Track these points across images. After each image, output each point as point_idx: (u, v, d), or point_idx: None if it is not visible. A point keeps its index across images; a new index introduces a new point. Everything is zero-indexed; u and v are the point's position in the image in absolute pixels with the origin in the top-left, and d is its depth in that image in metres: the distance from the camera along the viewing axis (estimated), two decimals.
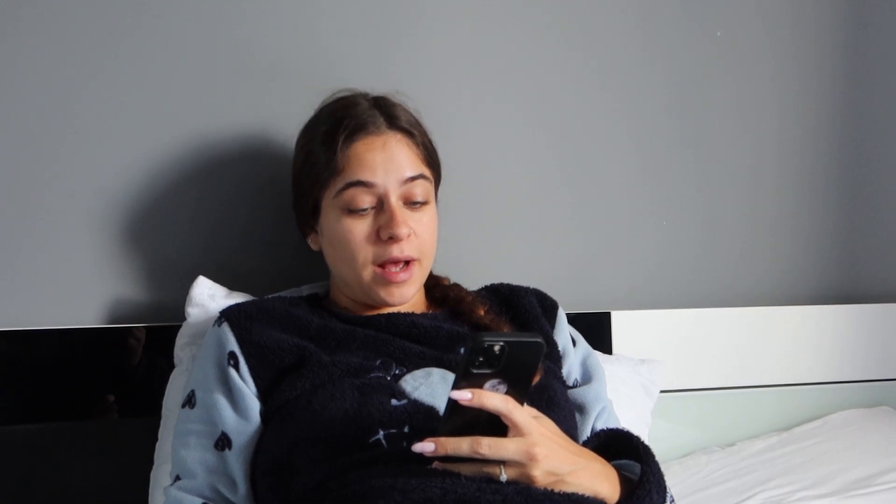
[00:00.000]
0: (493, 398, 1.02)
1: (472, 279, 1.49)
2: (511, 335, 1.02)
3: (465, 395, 1.01)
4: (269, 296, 1.43)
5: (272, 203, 1.60)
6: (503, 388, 1.03)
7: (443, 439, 1.04)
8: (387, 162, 1.32)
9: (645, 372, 1.74)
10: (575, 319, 1.57)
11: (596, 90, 1.86)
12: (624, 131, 1.89)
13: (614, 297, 1.86)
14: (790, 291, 2.01)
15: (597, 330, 1.77)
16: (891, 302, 2.06)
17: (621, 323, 1.82)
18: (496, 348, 1.00)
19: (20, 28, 1.49)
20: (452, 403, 1.02)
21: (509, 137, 1.79)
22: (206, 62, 1.58)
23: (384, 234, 1.31)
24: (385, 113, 1.36)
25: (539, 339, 1.02)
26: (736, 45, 1.97)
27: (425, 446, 1.04)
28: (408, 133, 1.36)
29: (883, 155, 2.10)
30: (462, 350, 1.03)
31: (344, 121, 1.34)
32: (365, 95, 1.40)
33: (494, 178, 1.77)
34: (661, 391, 1.78)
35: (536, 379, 1.27)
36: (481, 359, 1.01)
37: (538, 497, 1.04)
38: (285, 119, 1.53)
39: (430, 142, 1.40)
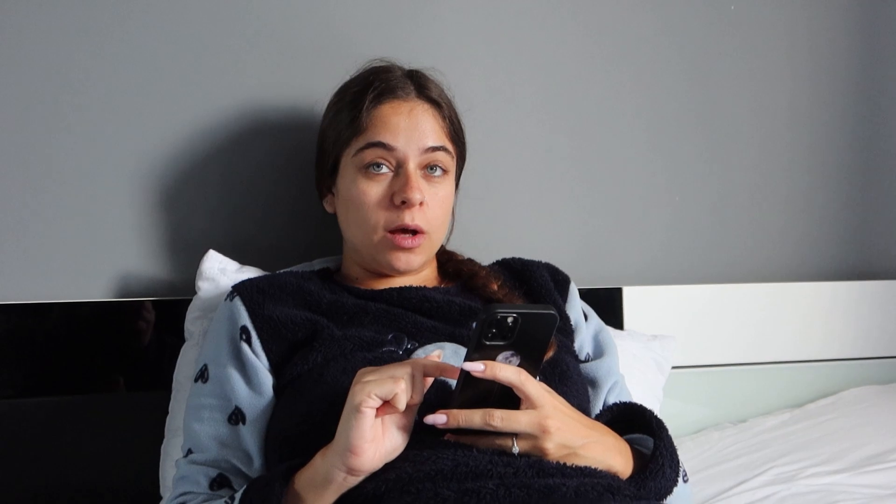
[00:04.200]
0: (505, 370, 1.02)
1: (484, 254, 1.49)
2: (524, 307, 1.01)
3: (477, 367, 1.01)
4: (281, 270, 1.43)
5: (285, 178, 1.60)
6: (516, 360, 1.03)
7: (455, 411, 1.04)
8: (410, 128, 1.32)
9: (657, 348, 1.74)
10: (586, 295, 1.56)
11: (608, 68, 1.86)
12: (636, 108, 1.88)
13: (626, 273, 1.86)
14: (803, 267, 2.01)
15: (608, 305, 1.76)
16: None
17: (633, 298, 1.82)
18: (509, 320, 1.00)
19: None
20: (465, 375, 1.02)
21: (522, 115, 1.79)
22: (234, 38, 1.59)
23: (397, 198, 1.30)
24: (416, 82, 1.37)
25: (552, 311, 1.02)
26: (749, 19, 1.96)
27: (437, 418, 1.04)
28: (436, 104, 1.36)
29: None
30: (475, 323, 1.02)
31: (375, 83, 1.34)
32: (400, 66, 1.41)
33: (506, 154, 1.76)
34: (673, 367, 1.78)
35: (550, 353, 1.27)
36: (494, 330, 1.00)
37: (550, 470, 1.03)
38: (305, 95, 1.54)
39: (457, 118, 1.40)
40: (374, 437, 1.02)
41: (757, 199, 1.97)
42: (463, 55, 1.73)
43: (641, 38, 1.87)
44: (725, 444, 1.74)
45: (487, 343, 1.01)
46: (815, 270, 2.01)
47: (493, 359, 1.02)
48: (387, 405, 1.01)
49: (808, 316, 1.95)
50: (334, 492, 1.04)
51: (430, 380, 1.05)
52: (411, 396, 1.02)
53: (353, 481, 1.04)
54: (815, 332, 1.96)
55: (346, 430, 1.02)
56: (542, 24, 1.80)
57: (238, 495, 1.08)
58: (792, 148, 2.00)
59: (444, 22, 1.73)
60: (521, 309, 1.00)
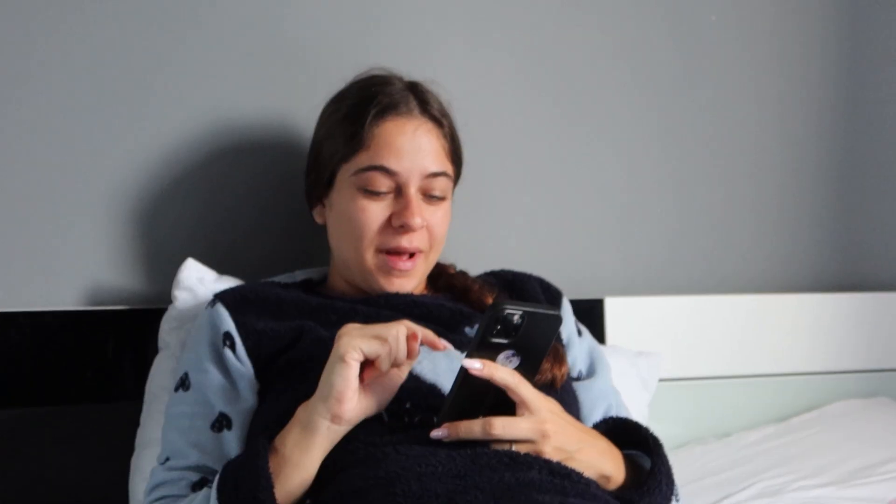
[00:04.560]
0: (502, 371, 1.04)
1: (462, 261, 1.48)
2: (531, 305, 1.03)
3: (475, 365, 1.03)
4: (262, 280, 1.41)
5: (266, 188, 1.58)
6: (516, 360, 1.05)
7: (455, 423, 1.06)
8: (414, 152, 1.30)
9: (643, 365, 1.72)
10: None
11: (592, 80, 1.85)
12: (620, 119, 1.87)
13: (608, 285, 1.84)
14: (787, 279, 2.00)
15: (589, 317, 1.74)
16: (889, 291, 2.05)
17: (615, 310, 1.80)
18: (515, 318, 1.01)
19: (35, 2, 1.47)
20: (463, 372, 1.03)
21: (507, 122, 1.78)
22: (216, 46, 1.57)
23: (397, 221, 1.29)
24: (419, 97, 1.35)
25: (558, 314, 1.04)
26: (734, 29, 1.96)
27: (439, 433, 1.07)
28: (438, 122, 1.35)
29: (883, 144, 2.09)
30: (482, 318, 1.05)
31: (377, 97, 1.32)
32: (400, 78, 1.39)
33: (486, 160, 1.74)
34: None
35: (564, 369, 1.27)
36: (499, 327, 1.02)
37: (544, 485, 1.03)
38: (289, 105, 1.55)
39: (456, 135, 1.39)
40: (357, 387, 1.06)
41: (741, 211, 1.97)
42: (454, 65, 1.72)
43: (633, 47, 1.87)
44: (709, 458, 1.72)
45: (492, 340, 1.02)
46: (799, 282, 2.01)
47: (494, 357, 1.04)
48: (371, 366, 1.05)
49: (792, 328, 1.94)
50: (320, 444, 1.07)
51: (418, 345, 1.07)
52: (395, 359, 1.05)
53: (337, 431, 1.06)
54: (799, 344, 1.94)
55: (331, 377, 1.05)
56: (530, 31, 1.79)
57: (216, 478, 1.07)
58: (777, 161, 2.00)
59: (435, 33, 1.72)
60: (528, 307, 1.02)
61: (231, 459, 1.11)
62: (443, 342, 1.08)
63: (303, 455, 1.07)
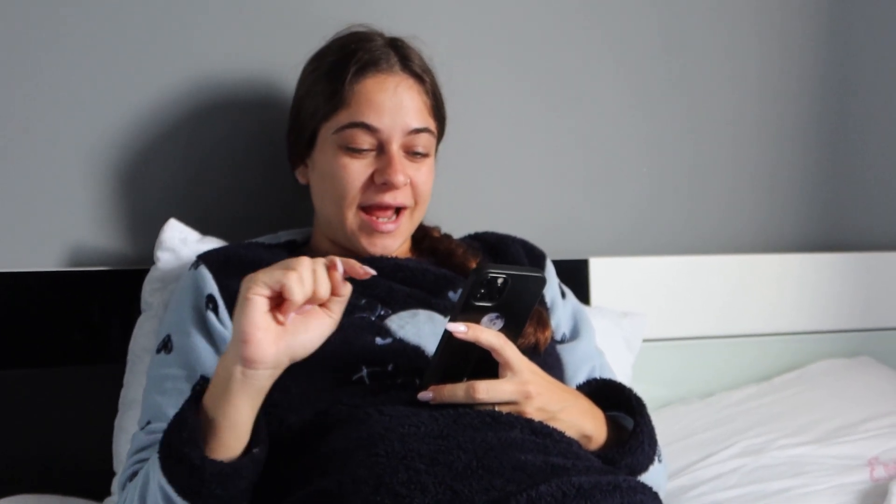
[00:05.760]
0: (486, 333, 1.04)
1: (446, 222, 1.47)
2: (515, 268, 1.04)
3: (460, 328, 1.03)
4: (245, 241, 1.40)
5: (250, 148, 1.57)
6: (500, 322, 1.05)
7: (440, 387, 1.06)
8: (395, 109, 1.28)
9: (627, 325, 1.73)
10: None
11: (581, 39, 1.84)
12: (607, 78, 1.86)
13: (593, 245, 1.84)
14: (772, 239, 2.00)
15: (574, 277, 1.73)
16: (872, 251, 2.05)
17: (599, 271, 1.80)
18: (499, 281, 1.02)
19: None
20: (447, 336, 1.04)
21: (489, 82, 1.76)
22: (200, 6, 1.55)
23: (379, 178, 1.28)
24: (400, 54, 1.33)
25: (542, 275, 1.05)
26: None
27: (424, 395, 1.07)
28: (419, 79, 1.33)
29: (866, 104, 2.08)
30: (466, 282, 1.05)
31: (357, 53, 1.30)
32: (381, 34, 1.37)
33: (472, 121, 1.73)
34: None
35: (547, 333, 1.27)
36: (483, 291, 1.02)
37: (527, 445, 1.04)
38: (272, 64, 1.53)
39: (439, 92, 1.37)
40: (268, 326, 0.97)
41: (726, 171, 1.96)
42: (434, 22, 1.70)
43: (615, 10, 1.85)
44: (693, 418, 1.73)
45: (476, 303, 1.03)
46: (784, 242, 2.01)
47: (479, 320, 1.05)
48: (286, 303, 0.97)
49: (776, 288, 1.94)
50: (238, 392, 0.99)
51: (340, 275, 1.00)
52: (314, 291, 0.97)
53: (255, 376, 0.98)
54: (783, 304, 1.95)
55: (238, 319, 0.97)
56: None
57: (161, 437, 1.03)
58: (761, 120, 1.99)
59: None
60: (511, 270, 1.02)
61: (167, 429, 1.04)
62: (365, 269, 1.00)
63: (226, 406, 0.99)
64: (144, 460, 1.14)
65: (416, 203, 1.32)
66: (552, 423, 1.08)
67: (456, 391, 1.06)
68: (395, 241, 1.32)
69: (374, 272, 1.02)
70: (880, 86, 2.09)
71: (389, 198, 1.28)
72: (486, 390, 1.06)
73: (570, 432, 1.10)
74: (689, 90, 1.93)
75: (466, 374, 1.08)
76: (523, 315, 1.07)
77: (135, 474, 1.12)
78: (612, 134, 1.86)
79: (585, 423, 1.12)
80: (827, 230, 2.05)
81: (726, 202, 1.96)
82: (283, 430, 1.09)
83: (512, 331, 1.07)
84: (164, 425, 1.12)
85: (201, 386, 1.05)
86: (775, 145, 2.00)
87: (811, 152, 2.03)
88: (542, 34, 1.80)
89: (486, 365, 1.07)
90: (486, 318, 1.04)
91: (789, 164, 2.01)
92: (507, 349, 1.06)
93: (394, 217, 1.31)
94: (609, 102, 1.86)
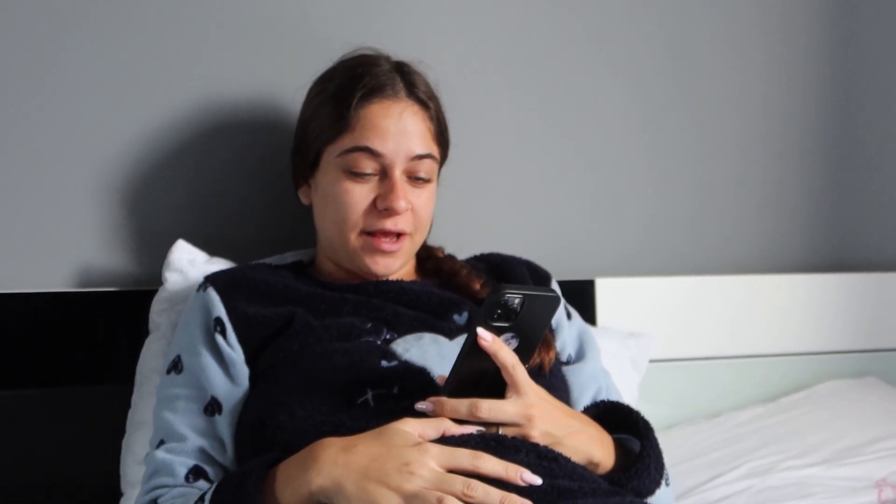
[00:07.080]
0: (505, 349, 1.05)
1: (453, 241, 1.48)
2: (530, 288, 1.05)
3: (486, 336, 1.03)
4: (253, 262, 1.41)
5: (257, 169, 1.57)
6: (515, 342, 1.06)
7: (443, 399, 1.06)
8: (399, 134, 1.29)
9: (633, 346, 1.72)
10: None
11: (585, 59, 1.84)
12: (613, 98, 1.86)
13: (599, 266, 1.84)
14: (778, 260, 2.00)
15: (580, 298, 1.74)
16: (878, 271, 2.05)
17: (605, 291, 1.80)
18: (515, 302, 1.02)
19: None
20: (472, 342, 1.03)
21: (494, 102, 1.77)
22: (207, 28, 1.55)
23: (381, 204, 1.28)
24: (405, 79, 1.33)
25: (557, 295, 1.05)
26: (726, 13, 1.95)
27: (425, 405, 1.06)
28: (424, 105, 1.33)
29: (872, 124, 2.08)
30: (483, 303, 1.06)
31: (363, 78, 1.31)
32: (387, 58, 1.37)
33: (478, 141, 1.74)
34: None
35: (550, 354, 1.27)
36: (499, 311, 1.03)
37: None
38: (279, 86, 1.53)
39: (443, 117, 1.38)
40: None
41: (732, 192, 1.96)
42: (440, 44, 1.71)
43: (620, 30, 1.86)
44: (699, 438, 1.72)
45: (492, 324, 1.03)
46: (790, 263, 2.00)
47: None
48: None
49: (783, 309, 1.94)
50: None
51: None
52: None
53: None
54: (790, 324, 1.94)
55: (376, 496, 0.96)
56: (520, 12, 1.78)
57: (209, 494, 1.05)
58: (767, 141, 1.99)
59: (422, 12, 1.70)
60: (527, 290, 1.03)
61: (230, 473, 1.08)
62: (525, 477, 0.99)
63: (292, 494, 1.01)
64: (163, 486, 1.16)
65: (416, 229, 1.33)
66: (557, 448, 1.07)
67: (458, 406, 1.05)
68: (396, 261, 1.32)
69: (538, 481, 0.99)
70: (887, 106, 2.09)
71: (391, 224, 1.29)
72: (489, 409, 1.05)
73: (577, 458, 1.09)
74: (694, 111, 1.93)
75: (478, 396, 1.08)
76: (537, 336, 1.07)
77: (153, 502, 1.14)
78: (618, 154, 1.87)
79: (593, 450, 1.12)
80: (833, 251, 2.04)
81: (732, 223, 1.96)
82: (287, 452, 1.09)
83: (524, 352, 1.07)
84: (179, 445, 1.16)
85: (262, 460, 1.05)
86: (781, 166, 2.00)
87: (817, 173, 2.03)
88: (547, 55, 1.81)
89: (494, 391, 1.07)
90: (501, 339, 1.05)
91: (795, 185, 2.01)
92: (517, 369, 1.06)
93: (395, 239, 1.31)
94: (614, 123, 1.86)
